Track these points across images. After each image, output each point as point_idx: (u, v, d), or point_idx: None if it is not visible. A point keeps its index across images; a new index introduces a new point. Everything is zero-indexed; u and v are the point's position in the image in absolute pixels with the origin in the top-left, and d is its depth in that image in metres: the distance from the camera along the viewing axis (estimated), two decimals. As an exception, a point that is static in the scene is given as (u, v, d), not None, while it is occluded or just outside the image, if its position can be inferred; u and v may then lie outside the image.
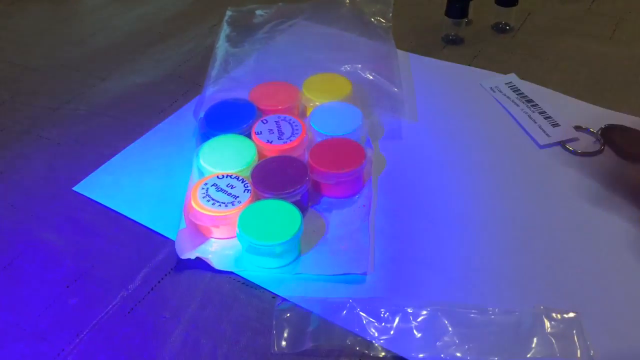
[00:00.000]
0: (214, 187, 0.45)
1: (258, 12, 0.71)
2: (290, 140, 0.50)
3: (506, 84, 0.60)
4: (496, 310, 0.39)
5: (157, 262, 0.43)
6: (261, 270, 0.43)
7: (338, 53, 0.62)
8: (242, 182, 0.46)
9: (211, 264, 0.43)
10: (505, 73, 0.62)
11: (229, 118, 0.52)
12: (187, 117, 0.56)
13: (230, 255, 0.44)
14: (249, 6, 0.72)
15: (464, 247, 0.44)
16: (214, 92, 0.56)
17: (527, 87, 0.59)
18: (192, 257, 0.43)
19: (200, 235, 0.45)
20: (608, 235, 0.45)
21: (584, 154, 0.52)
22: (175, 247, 0.43)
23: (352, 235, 0.45)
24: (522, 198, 0.48)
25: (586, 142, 0.53)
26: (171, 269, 0.43)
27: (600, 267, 0.43)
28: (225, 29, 0.68)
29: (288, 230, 0.42)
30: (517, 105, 0.57)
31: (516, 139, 0.54)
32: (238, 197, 0.44)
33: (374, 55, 0.62)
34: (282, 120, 0.51)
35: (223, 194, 0.45)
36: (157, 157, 0.52)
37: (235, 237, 0.44)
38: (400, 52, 0.65)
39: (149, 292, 0.41)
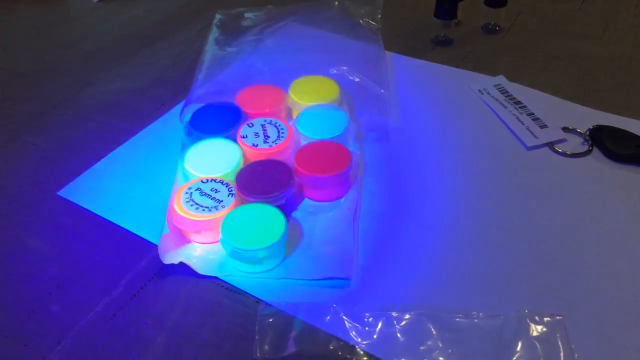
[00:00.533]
0: (197, 192, 0.45)
1: (247, 14, 0.71)
2: (276, 143, 0.49)
3: (494, 85, 0.59)
4: (480, 314, 0.39)
5: (141, 268, 0.43)
6: (245, 275, 0.42)
7: (326, 55, 0.61)
8: (226, 186, 0.45)
9: (195, 269, 0.42)
10: (494, 74, 0.61)
11: (215, 122, 0.52)
12: (173, 121, 0.56)
13: (214, 260, 0.43)
14: (238, 9, 0.72)
15: (449, 251, 0.44)
16: (200, 95, 0.55)
17: (515, 88, 0.59)
18: (175, 262, 0.43)
19: (183, 240, 0.45)
20: (595, 237, 0.45)
21: (572, 155, 0.52)
22: (158, 252, 0.42)
23: (337, 239, 0.45)
24: (509, 200, 0.48)
25: (574, 143, 0.53)
26: (154, 275, 0.43)
27: (587, 270, 0.42)
28: (214, 32, 0.67)
29: (272, 234, 0.42)
30: (505, 107, 0.56)
31: (504, 141, 0.53)
32: (222, 201, 0.44)
33: (363, 57, 0.62)
34: (268, 123, 0.51)
35: (207, 198, 0.44)
36: (143, 162, 0.52)
37: (218, 241, 0.43)
38: (389, 54, 0.64)
39: (131, 298, 0.41)
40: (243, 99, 0.54)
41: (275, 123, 0.51)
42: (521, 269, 0.43)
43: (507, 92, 0.58)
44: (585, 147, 0.52)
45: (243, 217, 0.43)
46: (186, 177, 0.48)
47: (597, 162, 0.51)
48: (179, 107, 0.58)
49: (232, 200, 0.44)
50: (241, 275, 0.42)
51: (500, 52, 0.66)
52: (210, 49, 0.63)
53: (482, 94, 0.58)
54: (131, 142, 0.55)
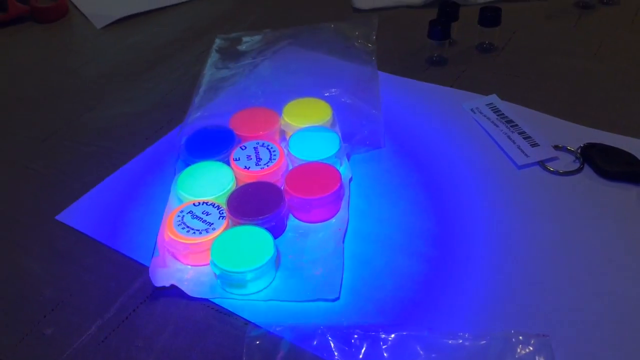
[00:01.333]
0: (189, 215, 0.46)
1: (245, 38, 0.72)
2: (268, 165, 0.50)
3: (487, 104, 0.60)
4: (466, 334, 0.39)
5: (133, 291, 0.44)
6: (235, 298, 0.43)
7: (320, 77, 0.62)
8: (217, 209, 0.46)
9: (185, 291, 0.43)
10: (488, 93, 0.62)
11: (208, 145, 0.53)
12: (170, 145, 0.57)
13: (205, 282, 0.44)
14: (237, 33, 0.74)
15: (436, 271, 0.44)
16: (195, 119, 0.57)
17: (507, 107, 0.59)
18: (167, 284, 0.43)
19: (175, 262, 0.45)
20: (585, 256, 0.45)
21: (563, 174, 0.52)
22: (150, 274, 0.43)
23: (326, 260, 0.45)
24: (498, 220, 0.48)
25: (566, 161, 0.53)
26: (147, 298, 0.43)
27: (574, 290, 0.42)
28: (213, 57, 0.69)
29: (260, 257, 0.42)
30: (497, 126, 0.57)
31: (495, 160, 0.54)
32: (213, 224, 0.45)
33: (356, 78, 0.63)
34: (260, 146, 0.52)
35: (198, 221, 0.45)
36: (139, 185, 0.53)
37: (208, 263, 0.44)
38: (382, 74, 0.65)
39: (123, 321, 0.42)
40: (237, 122, 0.55)
41: (268, 145, 0.52)
42: (508, 288, 0.43)
43: (499, 110, 0.59)
44: (577, 165, 0.52)
45: (233, 240, 0.44)
46: (179, 200, 0.49)
47: (588, 180, 0.51)
48: (176, 130, 0.59)
49: (222, 223, 0.45)
50: (231, 298, 0.43)
51: (494, 71, 0.66)
52: (208, 73, 0.65)
53: (475, 113, 0.59)
54: (128, 165, 0.56)
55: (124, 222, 0.50)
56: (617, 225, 0.47)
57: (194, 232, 0.44)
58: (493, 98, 0.61)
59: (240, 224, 0.46)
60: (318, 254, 0.46)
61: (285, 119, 0.56)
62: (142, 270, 0.45)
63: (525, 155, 0.53)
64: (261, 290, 0.43)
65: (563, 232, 0.47)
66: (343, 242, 0.46)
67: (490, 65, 0.67)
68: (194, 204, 0.47)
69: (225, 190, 0.48)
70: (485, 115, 0.58)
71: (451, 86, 0.64)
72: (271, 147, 0.52)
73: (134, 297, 0.44)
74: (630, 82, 0.63)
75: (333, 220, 0.49)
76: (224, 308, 0.42)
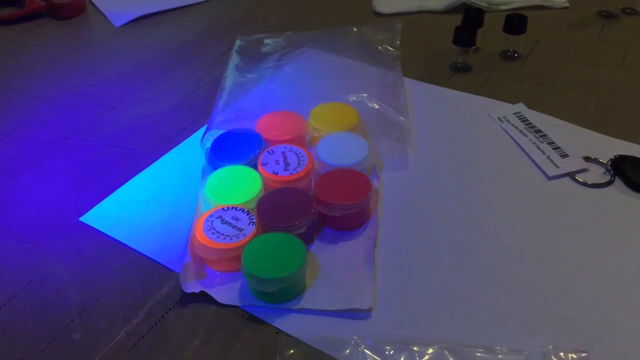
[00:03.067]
0: (219, 220, 0.45)
1: (267, 40, 0.71)
2: (297, 171, 0.49)
3: (514, 113, 0.59)
4: (504, 349, 0.39)
5: (162, 296, 0.43)
6: (265, 305, 0.42)
7: (345, 82, 0.62)
8: (247, 214, 0.46)
9: (215, 298, 0.42)
10: (513, 101, 0.61)
11: (235, 149, 0.52)
12: (194, 147, 0.57)
13: (234, 288, 0.43)
14: (257, 35, 0.73)
15: (470, 283, 0.43)
16: (220, 122, 0.56)
17: (535, 116, 0.59)
18: (196, 290, 0.43)
19: (205, 268, 0.45)
20: (618, 270, 0.44)
21: (593, 186, 0.51)
22: (180, 280, 0.43)
23: (357, 269, 0.44)
24: (530, 232, 0.47)
25: (596, 173, 0.53)
26: (175, 303, 0.43)
27: (610, 304, 0.42)
28: (234, 58, 0.68)
29: (292, 264, 0.42)
30: (526, 135, 0.56)
31: (524, 171, 0.53)
32: (243, 229, 0.44)
33: (381, 83, 0.62)
34: (288, 150, 0.51)
35: (228, 226, 0.45)
36: (164, 188, 0.53)
37: (239, 269, 0.43)
38: (407, 80, 0.65)
39: (152, 327, 0.41)
40: (263, 126, 0.55)
41: (296, 150, 0.51)
42: (543, 302, 0.42)
43: (527, 120, 0.58)
44: (607, 178, 0.52)
45: (264, 246, 0.43)
46: (207, 204, 0.48)
47: (619, 193, 0.51)
48: (200, 132, 0.58)
49: (252, 229, 0.44)
50: (261, 305, 0.42)
51: (519, 79, 0.66)
52: (231, 75, 0.64)
53: (502, 121, 0.58)
54: (152, 167, 0.55)
55: (148, 225, 0.49)
56: (651, 239, 0.46)
57: (225, 238, 0.44)
58: (520, 107, 0.60)
59: (270, 230, 0.45)
60: (347, 264, 0.45)
61: (312, 123, 0.55)
62: (169, 274, 0.45)
63: (556, 166, 0.53)
64: (292, 299, 0.42)
65: (595, 245, 0.46)
66: (374, 251, 0.46)
67: (515, 73, 0.67)
68: (223, 209, 0.46)
69: (254, 196, 0.48)
70: (513, 124, 0.58)
71: (476, 93, 0.63)
72: (299, 152, 0.51)
73: (163, 302, 0.43)
74: (658, 94, 0.62)
75: (362, 228, 0.48)
76: (254, 316, 0.42)
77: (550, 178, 0.52)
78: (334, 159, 0.51)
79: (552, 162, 0.53)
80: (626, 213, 0.49)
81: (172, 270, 0.45)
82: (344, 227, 0.48)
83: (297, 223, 0.45)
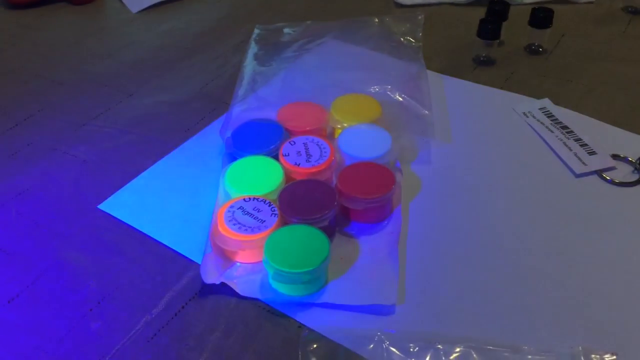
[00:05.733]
0: (240, 210, 0.44)
1: (286, 30, 0.70)
2: (319, 163, 0.49)
3: (540, 109, 0.58)
4: (532, 349, 0.38)
5: (181, 286, 0.42)
6: (287, 298, 0.41)
7: (367, 73, 0.61)
8: (269, 206, 0.45)
9: (236, 290, 0.42)
10: (537, 96, 0.60)
11: (256, 139, 0.51)
12: (213, 136, 0.56)
13: (255, 280, 0.43)
14: (277, 24, 0.72)
15: (497, 281, 0.42)
16: (241, 111, 0.55)
17: (561, 112, 0.57)
18: (217, 282, 0.42)
19: (226, 259, 0.44)
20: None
21: (621, 184, 0.50)
22: (201, 271, 0.42)
23: (380, 264, 0.44)
24: (558, 229, 0.46)
25: (624, 172, 0.51)
26: (195, 294, 0.42)
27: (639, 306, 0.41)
28: (252, 47, 0.67)
29: (316, 257, 0.41)
30: (552, 131, 0.55)
31: (551, 167, 0.52)
32: (265, 221, 0.43)
33: (404, 76, 0.61)
34: (310, 142, 0.50)
35: (249, 217, 0.44)
36: (183, 177, 0.52)
37: (261, 261, 0.43)
38: (430, 73, 0.63)
39: (172, 318, 0.40)
40: (284, 116, 0.54)
41: (318, 142, 0.50)
42: (571, 301, 0.41)
43: (553, 115, 0.57)
44: (636, 177, 0.51)
45: (287, 239, 0.42)
46: (227, 195, 0.47)
47: (648, 192, 0.50)
48: (219, 121, 0.57)
49: (274, 220, 0.44)
50: (283, 298, 0.41)
51: (544, 74, 0.64)
52: (250, 64, 0.63)
53: (527, 117, 0.57)
54: (171, 155, 0.54)
55: (167, 214, 0.48)
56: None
57: (246, 229, 0.43)
58: (546, 102, 0.59)
59: (292, 222, 0.44)
60: (370, 258, 0.44)
61: (334, 114, 0.54)
62: (188, 264, 0.44)
63: (583, 163, 0.51)
64: (315, 293, 0.42)
65: (624, 245, 0.45)
66: (397, 246, 0.45)
67: (539, 68, 0.65)
68: (244, 200, 0.45)
69: (276, 187, 0.47)
70: (538, 120, 0.57)
71: (500, 88, 0.62)
72: (321, 144, 0.50)
73: (182, 293, 0.42)
74: (686, 92, 0.61)
75: (385, 222, 0.47)
76: (275, 309, 0.41)
77: (577, 175, 0.51)
78: (357, 151, 0.50)
79: (580, 159, 0.52)
80: (655, 213, 0.48)
81: (191, 260, 0.44)
82: (366, 220, 0.47)
83: (319, 216, 0.44)
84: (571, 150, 0.53)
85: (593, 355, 0.37)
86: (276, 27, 0.71)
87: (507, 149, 0.54)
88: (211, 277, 0.42)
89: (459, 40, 0.70)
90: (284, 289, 0.42)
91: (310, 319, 0.40)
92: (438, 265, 0.44)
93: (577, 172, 0.51)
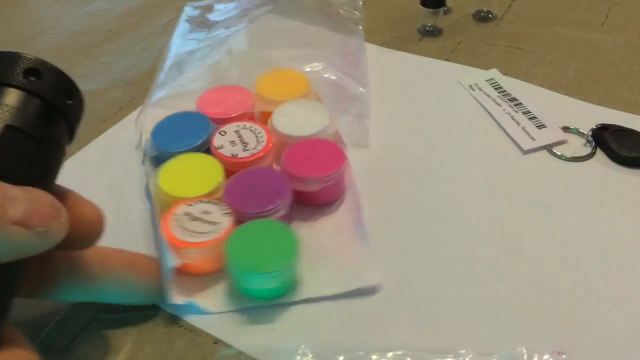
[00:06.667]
0: (187, 217, 0.39)
1: (217, 6, 0.65)
2: (257, 149, 0.44)
3: (487, 80, 0.54)
4: (470, 354, 0.34)
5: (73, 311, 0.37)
6: (260, 304, 0.37)
7: (300, 50, 0.55)
8: (217, 206, 0.40)
9: (202, 307, 0.37)
10: (486, 66, 0.56)
11: (181, 134, 0.46)
12: (132, 128, 0.50)
13: (219, 291, 0.38)
14: (208, 0, 0.66)
15: (433, 275, 0.38)
16: (158, 100, 0.50)
17: (510, 83, 0.53)
18: (180, 302, 0.37)
19: (184, 275, 0.38)
20: (601, 255, 0.39)
21: (573, 159, 0.46)
22: (167, 292, 0.37)
23: (351, 243, 0.40)
24: (503, 214, 0.42)
25: (575, 145, 0.47)
26: (90, 319, 0.37)
27: (591, 296, 0.37)
28: (179, 27, 0.62)
29: (286, 252, 0.37)
30: (499, 105, 0.51)
31: (498, 144, 0.48)
32: (219, 222, 0.38)
33: (340, 51, 0.56)
34: (242, 129, 0.45)
35: (200, 222, 0.38)
36: (95, 176, 0.47)
37: (218, 270, 0.38)
38: (371, 47, 0.59)
39: (68, 345, 0.36)
40: (206, 103, 0.48)
41: (250, 127, 0.45)
42: (517, 295, 0.37)
43: (501, 87, 0.53)
44: (588, 150, 0.47)
45: (249, 237, 0.37)
46: (164, 203, 0.42)
47: (601, 166, 0.46)
48: (138, 112, 0.52)
49: (228, 220, 0.39)
50: (257, 305, 0.37)
51: (494, 43, 0.60)
52: (174, 46, 0.58)
53: (474, 90, 0.53)
54: (83, 152, 0.49)
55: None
56: (636, 218, 0.42)
57: (200, 235, 0.38)
58: (493, 73, 0.55)
59: (247, 219, 0.39)
60: (339, 239, 0.40)
61: (260, 94, 0.49)
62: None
63: (532, 138, 0.47)
64: (290, 291, 0.38)
65: (575, 227, 0.41)
66: (363, 220, 0.41)
67: (489, 36, 0.61)
68: (187, 204, 0.40)
69: (217, 184, 0.42)
70: (485, 93, 0.52)
71: (447, 59, 0.58)
72: (254, 129, 0.45)
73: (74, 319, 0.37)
74: (643, 54, 0.57)
75: (342, 200, 0.43)
76: (190, 323, 0.37)
77: (525, 152, 0.47)
78: (294, 129, 0.45)
79: (528, 133, 0.48)
80: (609, 189, 0.44)
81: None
82: (323, 201, 0.43)
83: (274, 206, 0.39)
84: (519, 124, 0.49)
85: (537, 356, 0.34)
86: (207, 3, 0.66)
87: (452, 127, 0.50)
88: (177, 297, 0.37)
89: (404, 9, 0.65)
90: (255, 294, 0.37)
91: (226, 333, 0.36)
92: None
93: (525, 148, 0.47)
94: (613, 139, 0.46)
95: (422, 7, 0.60)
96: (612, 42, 0.59)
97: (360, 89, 0.50)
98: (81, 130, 0.50)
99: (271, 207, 0.39)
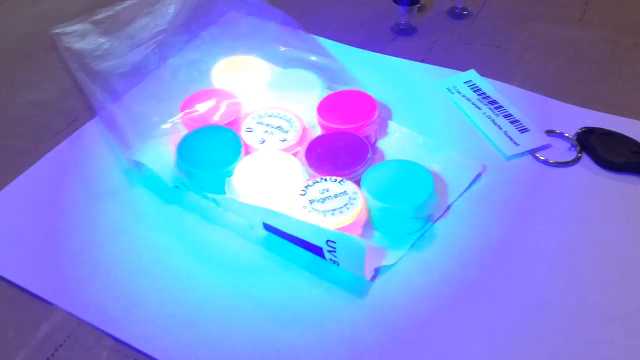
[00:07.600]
0: (316, 203, 0.38)
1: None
2: (296, 125, 0.44)
3: (465, 82, 0.51)
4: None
5: (41, 338, 0.34)
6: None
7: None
8: (334, 182, 0.40)
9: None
10: (464, 68, 0.53)
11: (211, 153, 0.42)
12: (87, 140, 0.47)
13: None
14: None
15: (406, 291, 0.36)
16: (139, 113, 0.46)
17: (489, 85, 0.51)
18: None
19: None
20: (589, 263, 0.37)
21: (557, 164, 0.44)
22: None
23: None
24: (485, 222, 0.40)
25: (560, 150, 0.45)
26: (59, 345, 0.34)
27: (581, 310, 0.35)
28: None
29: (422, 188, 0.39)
30: (479, 108, 0.49)
31: (480, 150, 0.45)
32: (343, 190, 0.39)
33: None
34: (260, 119, 0.45)
35: (330, 200, 0.39)
36: (48, 194, 0.43)
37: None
38: (343, 47, 0.56)
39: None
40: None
41: (265, 114, 0.45)
42: (499, 315, 0.35)
43: (480, 89, 0.50)
44: (574, 154, 0.45)
45: (383, 177, 0.40)
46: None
47: (587, 171, 0.44)
48: (95, 122, 0.48)
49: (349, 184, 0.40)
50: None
51: (470, 41, 0.57)
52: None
53: (452, 93, 0.50)
54: (34, 168, 0.45)
55: (27, 244, 0.39)
56: (623, 224, 0.40)
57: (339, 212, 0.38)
58: (471, 74, 0.52)
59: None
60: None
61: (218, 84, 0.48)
62: (48, 311, 0.36)
63: (515, 143, 0.45)
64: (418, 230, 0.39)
65: (562, 235, 0.39)
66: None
67: (465, 35, 0.58)
68: (300, 195, 0.39)
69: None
70: (464, 96, 0.50)
71: (422, 60, 0.55)
72: (275, 113, 0.45)
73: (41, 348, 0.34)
74: (622, 52, 0.55)
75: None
76: (148, 356, 0.33)
77: (508, 158, 0.45)
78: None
79: (511, 138, 0.46)
80: (595, 195, 0.42)
81: (51, 303, 0.36)
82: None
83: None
84: (501, 129, 0.47)
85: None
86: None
87: (429, 133, 0.47)
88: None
89: (376, 6, 0.62)
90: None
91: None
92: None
93: (509, 154, 0.45)
94: (599, 143, 0.44)
95: (395, 4, 0.58)
96: (591, 38, 0.57)
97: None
98: (33, 143, 0.47)
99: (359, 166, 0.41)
